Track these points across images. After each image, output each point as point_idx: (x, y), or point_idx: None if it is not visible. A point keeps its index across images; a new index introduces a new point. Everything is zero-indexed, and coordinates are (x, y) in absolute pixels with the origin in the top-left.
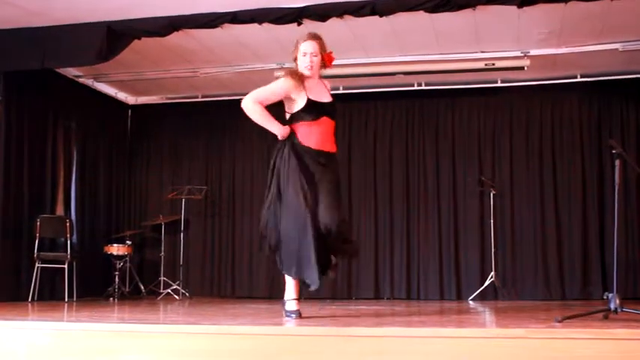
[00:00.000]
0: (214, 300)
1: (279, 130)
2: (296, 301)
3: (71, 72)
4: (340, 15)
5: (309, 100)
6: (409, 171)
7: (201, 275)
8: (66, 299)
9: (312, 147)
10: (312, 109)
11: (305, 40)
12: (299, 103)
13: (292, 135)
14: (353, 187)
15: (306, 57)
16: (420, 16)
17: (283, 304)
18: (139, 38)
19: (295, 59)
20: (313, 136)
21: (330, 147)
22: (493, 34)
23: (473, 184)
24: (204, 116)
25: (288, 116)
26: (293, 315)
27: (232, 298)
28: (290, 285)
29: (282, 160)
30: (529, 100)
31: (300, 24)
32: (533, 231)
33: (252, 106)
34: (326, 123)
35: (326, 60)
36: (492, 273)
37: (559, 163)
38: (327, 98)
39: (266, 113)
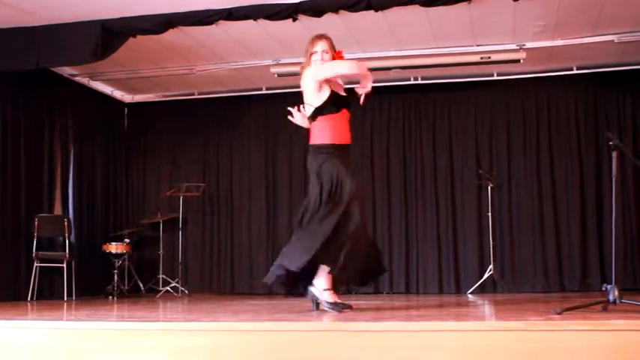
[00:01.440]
0: (213, 297)
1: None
2: (330, 292)
3: (67, 71)
4: (335, 10)
5: (332, 92)
6: (406, 165)
7: (200, 272)
8: (65, 298)
9: (336, 142)
10: (337, 101)
11: (313, 41)
12: (323, 95)
13: (318, 136)
14: None
15: (316, 54)
16: (416, 10)
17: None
18: (134, 36)
19: (308, 64)
20: (337, 129)
21: (348, 139)
22: (489, 27)
23: (470, 178)
24: (201, 113)
25: (311, 110)
26: (337, 307)
27: (231, 295)
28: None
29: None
30: (525, 93)
31: (295, 20)
32: (532, 223)
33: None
34: (345, 115)
35: (336, 59)
36: (491, 266)
37: (556, 156)
38: (342, 92)
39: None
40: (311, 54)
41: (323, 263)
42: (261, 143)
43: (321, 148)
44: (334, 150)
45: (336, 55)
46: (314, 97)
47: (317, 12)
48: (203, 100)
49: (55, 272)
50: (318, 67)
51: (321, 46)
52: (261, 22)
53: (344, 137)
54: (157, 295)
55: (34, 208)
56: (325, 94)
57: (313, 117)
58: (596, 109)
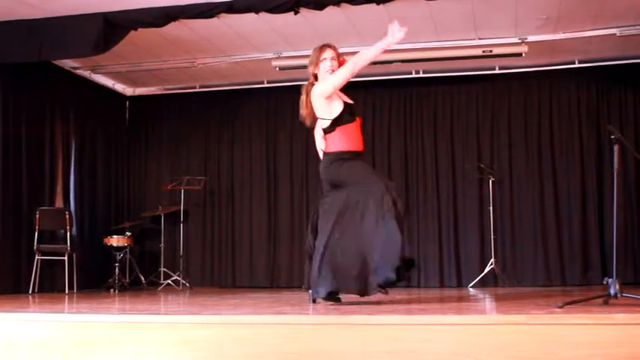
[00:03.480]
0: (215, 290)
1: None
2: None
3: (68, 63)
4: (337, 3)
5: (344, 102)
6: (408, 159)
7: (202, 265)
8: (66, 291)
9: (355, 150)
10: (350, 110)
11: (321, 48)
12: (336, 107)
13: (336, 144)
14: None
15: (326, 61)
16: (417, 4)
17: None
18: (136, 29)
19: (315, 73)
20: (354, 137)
21: (362, 146)
22: (490, 20)
23: (472, 172)
24: (203, 106)
25: (328, 123)
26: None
27: (233, 288)
28: None
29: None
30: (527, 87)
31: (296, 13)
32: (533, 217)
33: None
34: (358, 123)
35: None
36: (492, 260)
37: (557, 149)
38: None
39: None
40: (319, 61)
41: None
42: (263, 136)
43: (339, 155)
44: (353, 156)
45: (342, 62)
46: (328, 111)
47: (319, 5)
48: (204, 94)
49: (56, 265)
50: (323, 82)
51: (329, 53)
52: (263, 15)
53: (360, 145)
54: (159, 288)
55: (35, 201)
56: (338, 104)
57: (331, 129)
58: (597, 103)
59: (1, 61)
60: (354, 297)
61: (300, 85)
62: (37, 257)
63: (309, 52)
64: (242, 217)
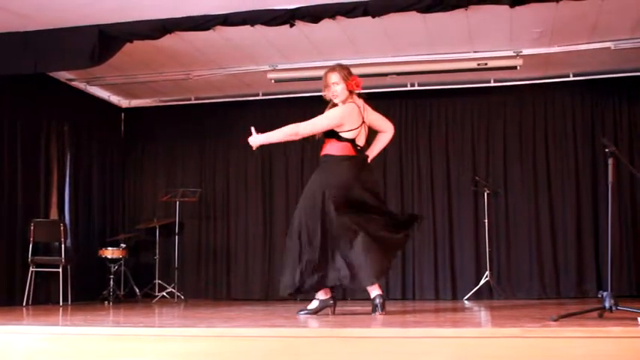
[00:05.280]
0: (209, 302)
1: None
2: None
3: (64, 75)
4: (332, 16)
5: None
6: (403, 171)
7: (197, 278)
8: (61, 303)
9: None
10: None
11: (325, 74)
12: None
13: None
14: None
15: (329, 87)
16: (412, 17)
17: None
18: (131, 41)
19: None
20: None
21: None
22: (485, 33)
23: (467, 184)
24: (198, 118)
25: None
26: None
27: (228, 301)
28: None
29: None
30: (522, 100)
31: (292, 25)
32: (528, 230)
33: None
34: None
35: (350, 86)
36: (487, 272)
37: (552, 162)
38: None
39: None
40: (327, 86)
41: None
42: (258, 148)
43: None
44: None
45: (352, 80)
46: None
47: (314, 18)
48: (200, 106)
49: (50, 277)
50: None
51: (331, 78)
52: (258, 27)
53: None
54: (153, 301)
55: (30, 213)
56: None
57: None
58: (592, 116)
59: None
60: (350, 309)
61: (297, 98)
62: (31, 269)
63: (304, 64)
64: (237, 229)
